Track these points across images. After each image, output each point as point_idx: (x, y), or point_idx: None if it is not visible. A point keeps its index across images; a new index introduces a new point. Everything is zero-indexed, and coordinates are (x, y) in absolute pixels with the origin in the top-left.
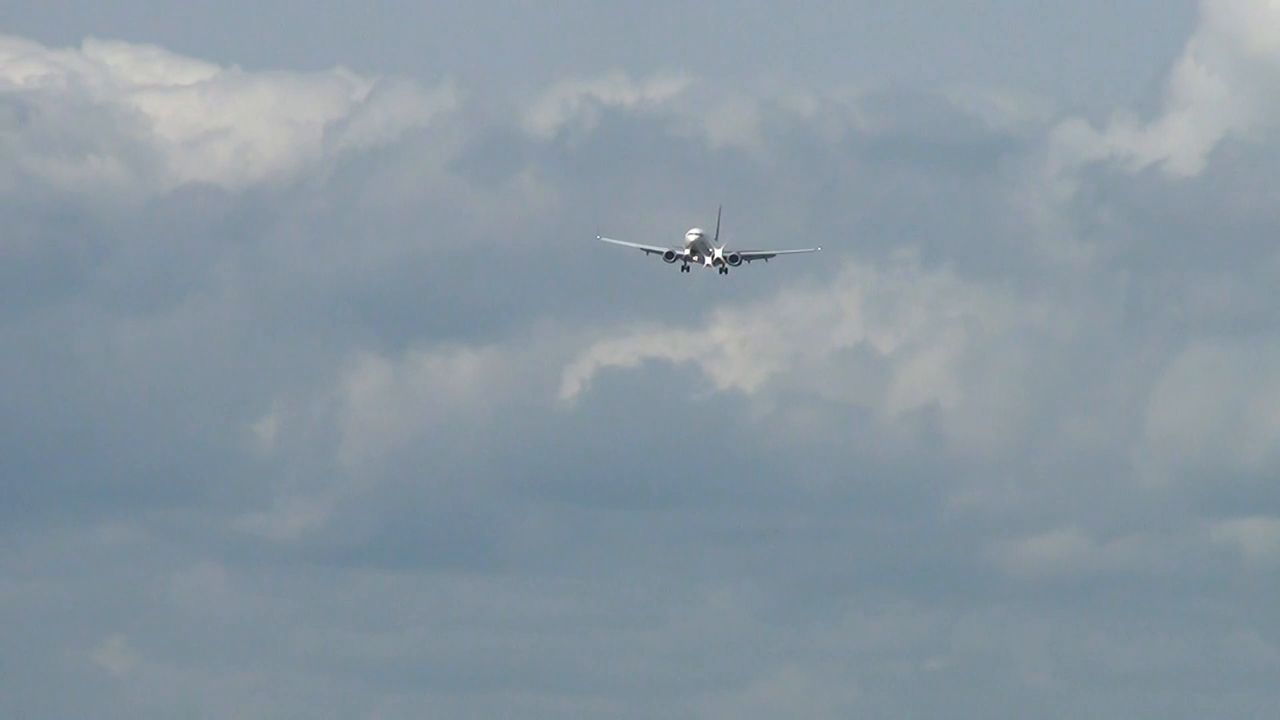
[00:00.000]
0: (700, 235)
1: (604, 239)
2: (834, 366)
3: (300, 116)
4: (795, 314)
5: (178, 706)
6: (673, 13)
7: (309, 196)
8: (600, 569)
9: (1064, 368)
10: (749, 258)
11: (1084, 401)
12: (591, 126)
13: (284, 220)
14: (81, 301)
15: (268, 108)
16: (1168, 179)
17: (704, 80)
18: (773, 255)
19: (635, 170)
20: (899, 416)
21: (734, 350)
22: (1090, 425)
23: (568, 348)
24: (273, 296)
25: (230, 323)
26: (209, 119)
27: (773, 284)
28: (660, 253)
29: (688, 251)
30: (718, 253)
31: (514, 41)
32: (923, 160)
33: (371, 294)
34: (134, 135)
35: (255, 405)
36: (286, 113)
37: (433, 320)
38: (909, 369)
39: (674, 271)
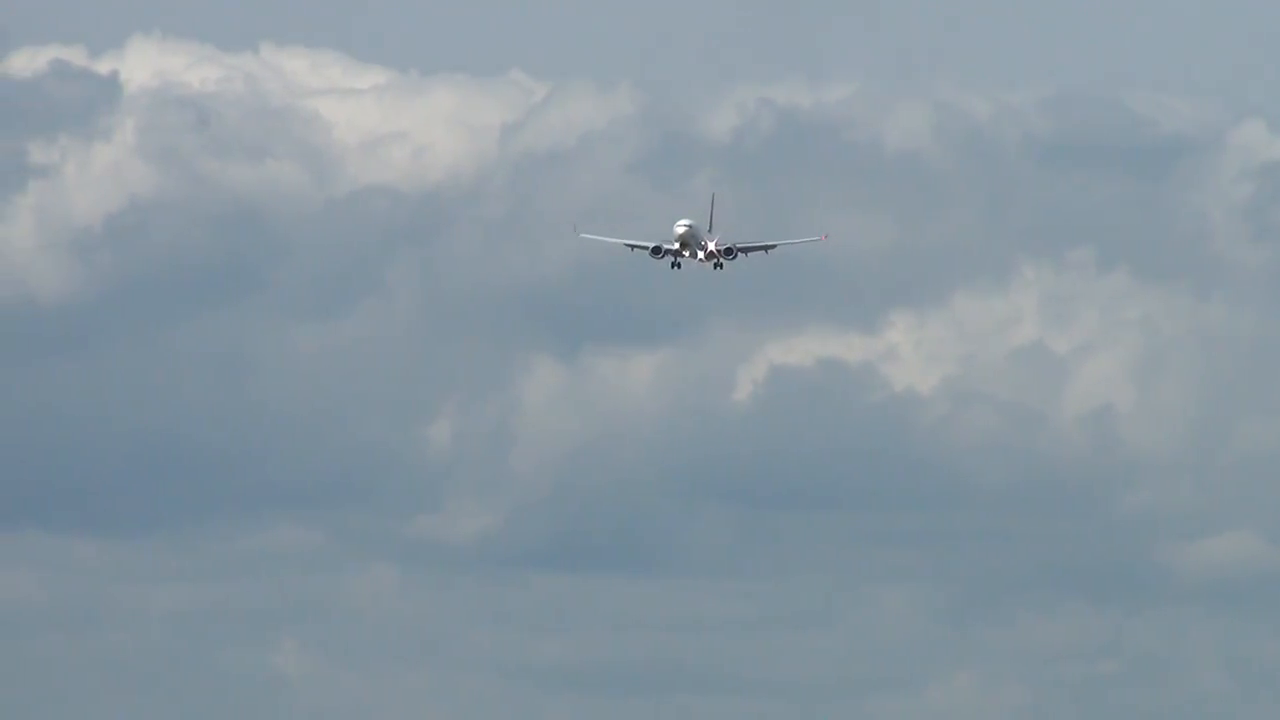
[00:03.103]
0: (690, 227)
1: (585, 235)
2: (1009, 368)
3: (477, 120)
4: (970, 316)
5: (351, 708)
6: (848, 16)
7: (485, 199)
8: (773, 571)
9: (1239, 369)
10: (746, 250)
11: (1259, 403)
12: (767, 130)
13: (460, 223)
14: (258, 304)
15: (444, 111)
16: None
17: (879, 84)
18: (773, 246)
19: (811, 173)
20: (1073, 418)
21: (909, 351)
22: (1266, 426)
23: (741, 349)
24: (448, 299)
25: (405, 325)
26: (386, 123)
27: (948, 286)
28: (647, 248)
29: (677, 246)
30: (711, 246)
31: (691, 44)
32: (1098, 163)
33: (546, 297)
34: (311, 139)
35: (429, 408)
36: (463, 116)
37: (607, 322)
38: (1084, 371)
39: (664, 269)
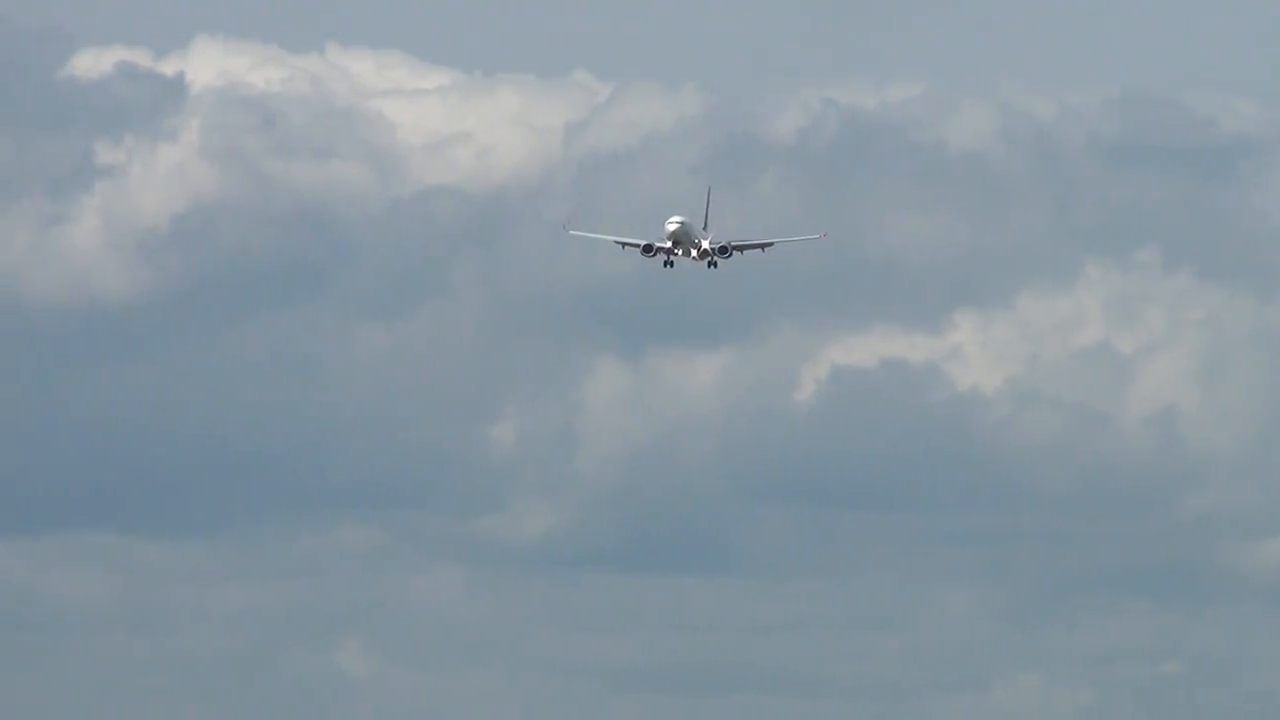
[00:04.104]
0: (682, 224)
1: (573, 231)
2: (1073, 368)
3: (541, 120)
4: (1035, 316)
5: (414, 708)
6: (913, 17)
7: (549, 200)
8: (836, 571)
9: None
10: (742, 249)
11: None
12: (832, 131)
13: (524, 223)
14: (322, 304)
15: (509, 112)
16: None
17: (944, 85)
18: (770, 245)
19: (875, 175)
20: (1138, 418)
21: (973, 351)
22: None
23: (804, 349)
24: (512, 300)
25: (470, 326)
26: (450, 123)
27: (1013, 286)
28: (638, 246)
29: (669, 244)
30: (705, 244)
31: (756, 45)
32: (1163, 163)
33: (610, 297)
34: (376, 140)
35: (493, 408)
36: (527, 116)
37: (670, 323)
38: (1149, 371)
39: (656, 267)
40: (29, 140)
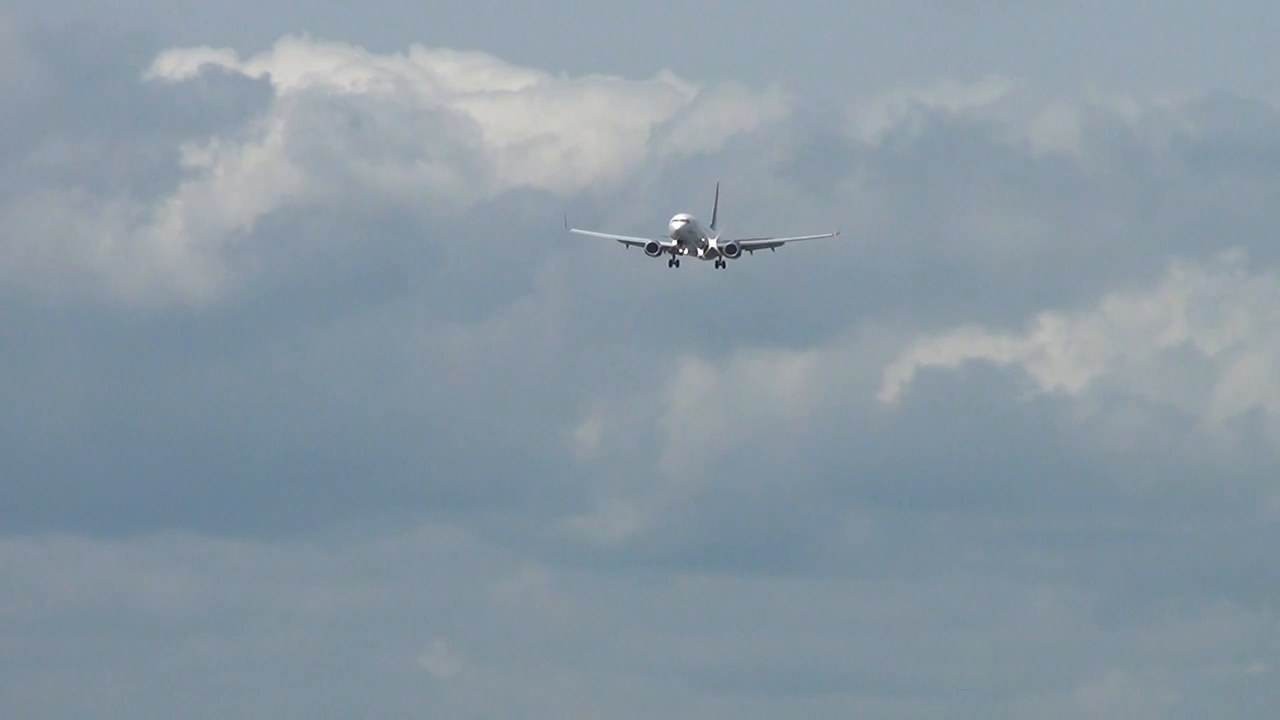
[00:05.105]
0: (687, 223)
1: (575, 230)
2: (1158, 369)
3: (627, 122)
4: (1120, 317)
5: (499, 709)
6: (998, 19)
7: (635, 201)
8: (921, 572)
9: None
10: (751, 247)
11: None
12: (917, 132)
13: (610, 224)
14: (408, 305)
15: (594, 113)
16: None
17: (1029, 86)
18: (780, 243)
19: (960, 176)
20: (1223, 419)
21: (1058, 353)
22: None
23: (888, 350)
24: (597, 301)
25: (555, 327)
26: (536, 125)
27: (1097, 287)
28: (642, 245)
29: (674, 243)
30: (712, 243)
31: (841, 46)
32: (1248, 164)
33: (695, 298)
34: (462, 141)
35: (578, 409)
36: (613, 118)
37: (754, 324)
38: (1234, 372)
39: (661, 266)
40: (114, 142)
